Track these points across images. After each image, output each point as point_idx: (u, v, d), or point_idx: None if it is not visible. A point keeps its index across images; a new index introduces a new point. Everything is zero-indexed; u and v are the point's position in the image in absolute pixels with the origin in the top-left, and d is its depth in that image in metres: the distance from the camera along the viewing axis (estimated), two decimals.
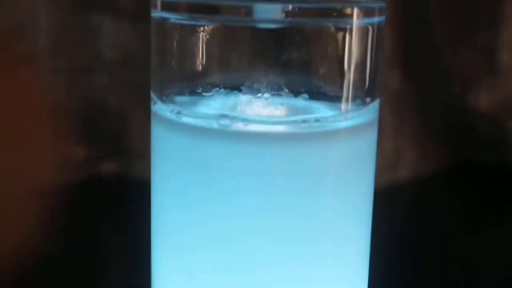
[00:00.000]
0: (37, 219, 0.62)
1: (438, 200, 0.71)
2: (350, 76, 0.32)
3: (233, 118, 0.31)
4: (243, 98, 0.33)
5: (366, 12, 0.31)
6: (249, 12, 0.30)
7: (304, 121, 0.31)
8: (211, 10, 0.30)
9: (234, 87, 0.33)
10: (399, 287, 0.51)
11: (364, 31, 0.32)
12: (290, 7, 0.30)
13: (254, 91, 0.33)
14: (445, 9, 0.72)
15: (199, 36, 0.32)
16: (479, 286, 0.53)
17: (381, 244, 0.37)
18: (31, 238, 0.59)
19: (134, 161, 0.70)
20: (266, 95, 0.32)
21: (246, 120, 0.31)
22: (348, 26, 0.31)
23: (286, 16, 0.30)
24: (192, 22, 0.31)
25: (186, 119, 0.32)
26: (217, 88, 0.33)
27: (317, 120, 0.31)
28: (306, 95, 0.33)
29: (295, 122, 0.31)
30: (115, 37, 0.69)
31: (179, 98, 0.33)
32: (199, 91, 0.33)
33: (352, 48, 0.31)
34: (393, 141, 0.72)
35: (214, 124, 0.31)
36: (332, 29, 0.31)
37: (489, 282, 0.54)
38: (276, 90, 0.33)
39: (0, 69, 0.67)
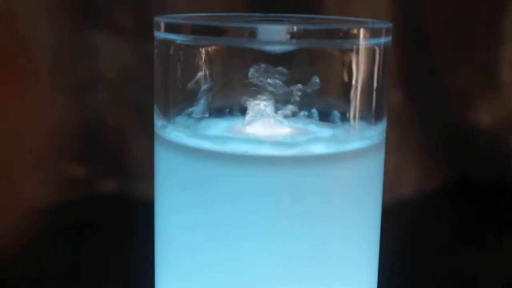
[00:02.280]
0: (34, 236, 0.62)
1: (440, 217, 0.71)
2: (357, 97, 0.32)
3: (238, 141, 0.31)
4: (248, 119, 0.32)
5: (373, 33, 0.31)
6: (253, 33, 0.29)
7: (311, 143, 0.31)
8: (215, 32, 0.30)
9: (239, 108, 0.32)
10: None
11: (370, 52, 0.31)
12: (295, 28, 0.29)
13: (259, 112, 0.32)
14: (444, 28, 0.72)
15: (203, 57, 0.32)
16: None
17: (384, 261, 0.37)
18: (27, 255, 0.59)
19: (134, 179, 0.70)
20: (272, 116, 0.32)
21: (251, 143, 0.31)
22: (354, 47, 0.31)
23: (291, 38, 0.30)
24: (195, 44, 0.31)
25: (187, 141, 0.31)
26: (222, 109, 0.33)
27: (323, 142, 0.31)
28: (312, 117, 0.33)
29: (301, 144, 0.31)
30: (115, 55, 0.68)
31: (183, 119, 0.33)
32: (203, 112, 0.33)
33: (359, 69, 0.31)
34: (394, 159, 0.72)
35: (216, 146, 0.31)
36: (338, 50, 0.31)
37: None
38: (282, 111, 0.32)
39: (0, 87, 0.67)
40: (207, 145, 0.31)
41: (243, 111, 0.33)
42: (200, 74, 0.32)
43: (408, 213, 0.71)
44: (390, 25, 0.32)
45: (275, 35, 0.30)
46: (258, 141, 0.31)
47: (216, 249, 0.31)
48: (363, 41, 0.31)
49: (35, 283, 0.54)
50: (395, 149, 0.71)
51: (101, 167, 0.70)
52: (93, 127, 0.70)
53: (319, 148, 0.31)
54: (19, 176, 0.68)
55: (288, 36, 0.30)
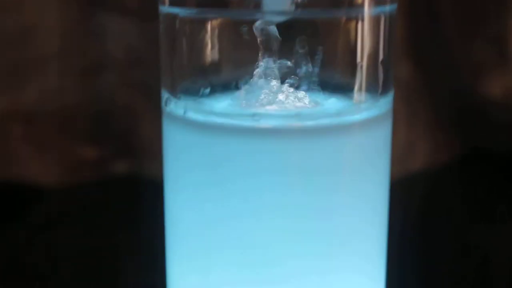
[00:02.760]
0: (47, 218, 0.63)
1: (452, 189, 0.71)
2: (363, 67, 0.32)
3: (244, 114, 0.31)
4: (255, 92, 0.32)
5: (378, 1, 0.31)
6: (258, 4, 0.29)
7: (318, 114, 0.31)
8: (219, 4, 0.30)
9: (246, 81, 0.32)
10: (414, 277, 0.51)
11: (376, 20, 0.31)
12: None
13: (265, 84, 0.32)
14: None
15: (209, 30, 0.32)
16: (493, 275, 0.53)
17: (395, 235, 0.37)
18: (41, 236, 0.59)
19: (146, 160, 0.71)
20: (277, 88, 0.32)
21: (258, 116, 0.31)
22: (359, 16, 0.31)
23: (296, 8, 0.29)
24: (200, 17, 0.31)
25: (197, 117, 0.31)
26: (228, 83, 0.33)
27: (330, 114, 0.31)
28: (319, 88, 0.33)
29: (308, 116, 0.31)
30: (124, 36, 0.69)
31: (190, 95, 0.33)
32: (210, 87, 0.33)
33: (364, 38, 0.31)
34: (405, 132, 0.72)
35: (225, 121, 0.31)
36: (343, 19, 0.31)
37: (503, 271, 0.54)
38: (288, 83, 0.32)
39: (11, 71, 0.67)
40: (212, 119, 0.31)
41: (249, 83, 0.33)
42: (206, 47, 0.32)
43: (419, 186, 0.71)
44: None
45: (280, 5, 0.29)
46: (264, 114, 0.31)
47: (223, 224, 0.31)
48: (368, 10, 0.31)
49: (49, 264, 0.55)
50: (405, 123, 0.71)
51: (112, 148, 0.71)
52: (104, 108, 0.70)
53: (326, 120, 0.31)
54: (30, 157, 0.69)
55: (293, 6, 0.29)
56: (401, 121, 0.71)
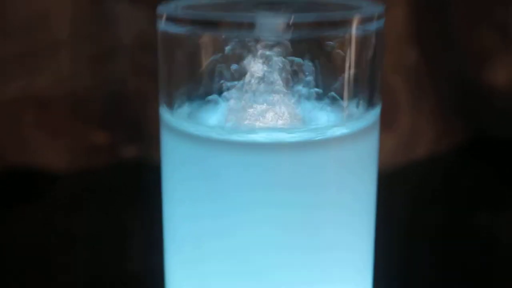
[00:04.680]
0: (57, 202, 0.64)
1: (456, 175, 0.71)
2: (351, 81, 0.33)
3: (235, 128, 0.32)
4: (247, 106, 0.33)
5: (365, 20, 0.32)
6: (252, 25, 0.31)
7: (306, 129, 0.32)
8: (214, 24, 0.31)
9: (239, 96, 0.34)
10: (419, 263, 0.52)
11: (363, 38, 0.32)
12: (291, 20, 0.30)
13: (256, 98, 0.33)
14: None
15: (203, 47, 0.33)
16: (498, 262, 0.54)
17: (400, 221, 0.37)
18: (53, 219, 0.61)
19: (156, 145, 0.71)
20: (268, 102, 0.33)
21: (248, 130, 0.32)
22: (347, 35, 0.32)
23: (287, 29, 0.31)
24: (196, 35, 0.32)
25: (191, 129, 0.33)
26: (223, 97, 0.34)
27: (318, 128, 0.32)
28: (307, 102, 0.34)
29: (297, 130, 0.32)
30: (136, 22, 0.69)
31: (187, 108, 0.34)
32: (206, 100, 0.34)
33: (351, 55, 0.32)
34: (409, 118, 0.72)
35: (216, 134, 0.32)
36: (332, 38, 0.32)
37: (508, 256, 0.55)
38: (278, 97, 0.33)
39: (24, 57, 0.68)
40: (205, 132, 0.32)
41: (243, 97, 0.34)
42: (201, 62, 0.33)
43: (423, 172, 0.72)
44: (382, 9, 0.33)
45: (272, 26, 0.31)
46: (254, 128, 0.32)
47: (217, 235, 0.33)
48: (355, 29, 0.32)
49: (61, 246, 0.56)
50: (410, 109, 0.72)
51: (123, 133, 0.72)
52: (115, 94, 0.71)
53: (314, 134, 0.32)
54: (42, 143, 0.70)
55: (285, 27, 0.31)
56: (406, 107, 0.72)
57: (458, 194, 0.67)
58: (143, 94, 0.71)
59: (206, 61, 0.33)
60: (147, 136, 0.72)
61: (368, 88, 0.33)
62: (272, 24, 0.31)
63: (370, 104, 0.34)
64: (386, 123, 0.46)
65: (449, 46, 0.74)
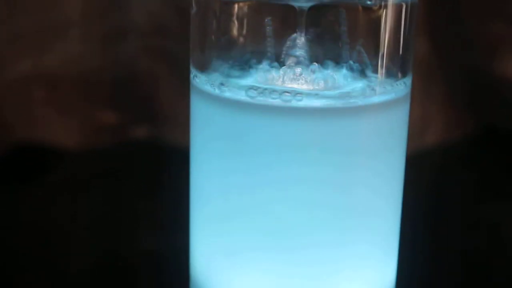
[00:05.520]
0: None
1: (465, 166, 0.71)
2: (383, 51, 0.33)
3: (268, 92, 0.32)
4: (280, 71, 0.33)
5: None
6: None
7: (339, 95, 0.32)
8: None
9: (272, 61, 0.34)
10: (425, 252, 0.52)
11: (398, 8, 0.32)
12: None
13: (291, 64, 0.33)
14: None
15: (237, 11, 0.33)
16: (504, 253, 0.54)
17: (407, 210, 0.38)
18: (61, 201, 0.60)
19: (166, 126, 0.71)
20: (302, 68, 0.33)
21: (281, 94, 0.32)
22: (382, 3, 0.32)
23: None
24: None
25: (223, 92, 0.33)
26: (255, 62, 0.34)
27: (351, 95, 0.32)
28: (341, 69, 0.34)
29: (330, 96, 0.32)
30: (146, 2, 0.69)
31: (219, 72, 0.34)
32: (237, 65, 0.34)
33: (386, 25, 0.32)
34: (420, 108, 0.72)
35: (249, 98, 0.32)
36: (367, 5, 0.32)
37: None
38: (312, 64, 0.33)
39: (35, 35, 0.68)
40: (238, 96, 0.32)
41: (276, 62, 0.34)
42: (235, 26, 0.33)
43: (432, 162, 0.72)
44: None
45: None
46: (287, 92, 0.32)
47: (247, 195, 0.33)
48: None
49: (69, 226, 0.56)
50: (420, 99, 0.72)
51: (133, 114, 0.72)
52: (126, 74, 0.71)
53: (346, 101, 0.32)
54: (52, 123, 0.70)
55: None
56: (416, 98, 0.72)
57: (466, 184, 0.67)
58: (154, 74, 0.71)
59: (240, 26, 0.33)
60: (157, 117, 0.72)
61: (402, 58, 0.33)
62: None
63: (403, 74, 0.34)
64: None
65: (460, 38, 0.74)
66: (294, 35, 0.33)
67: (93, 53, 0.70)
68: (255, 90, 0.32)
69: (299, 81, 0.33)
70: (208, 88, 0.33)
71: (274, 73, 0.33)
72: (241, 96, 0.32)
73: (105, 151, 0.70)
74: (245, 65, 0.34)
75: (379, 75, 0.33)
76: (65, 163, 0.68)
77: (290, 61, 0.33)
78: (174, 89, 0.70)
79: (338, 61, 0.34)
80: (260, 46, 0.34)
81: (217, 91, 0.33)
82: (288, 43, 0.33)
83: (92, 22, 0.69)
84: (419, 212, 0.56)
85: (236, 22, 0.33)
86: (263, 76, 0.33)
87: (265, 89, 0.32)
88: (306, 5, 0.31)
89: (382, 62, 0.33)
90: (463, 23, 0.73)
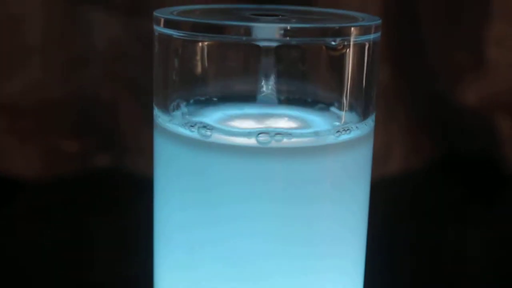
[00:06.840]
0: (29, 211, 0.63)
1: (427, 193, 0.72)
2: (347, 91, 0.33)
3: (228, 131, 0.32)
4: (241, 110, 0.33)
5: (363, 31, 0.32)
6: (248, 32, 0.31)
7: (302, 135, 0.32)
8: (212, 29, 0.31)
9: (234, 100, 0.34)
10: (392, 276, 0.52)
11: (360, 48, 0.33)
12: (289, 27, 0.31)
13: (252, 103, 0.33)
14: (433, 5, 0.73)
15: (200, 50, 0.33)
16: (469, 275, 0.55)
17: (372, 237, 0.38)
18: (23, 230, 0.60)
19: (128, 154, 0.71)
20: (263, 108, 0.33)
21: (241, 134, 0.32)
22: (345, 44, 0.32)
23: (284, 36, 0.31)
24: (193, 39, 0.32)
25: (185, 131, 0.32)
26: (218, 101, 0.34)
27: (315, 134, 0.32)
28: (304, 109, 0.34)
29: (292, 135, 0.32)
30: (108, 30, 0.69)
31: (182, 111, 0.34)
32: (200, 103, 0.34)
33: (349, 64, 0.32)
34: (382, 135, 0.73)
35: (211, 137, 0.32)
36: (330, 46, 0.32)
37: (479, 271, 0.56)
38: (273, 103, 0.34)
39: None
40: (199, 135, 0.32)
41: (237, 101, 0.34)
42: (197, 66, 0.33)
43: (395, 188, 0.72)
44: (379, 21, 0.33)
45: (269, 33, 0.31)
46: (248, 132, 0.32)
47: (211, 228, 0.33)
48: (353, 38, 0.32)
49: (29, 256, 0.56)
50: (382, 125, 0.73)
51: (94, 142, 0.71)
52: (87, 102, 0.70)
53: (308, 140, 0.32)
54: (11, 150, 0.69)
55: (282, 33, 0.31)
56: (378, 124, 0.72)
57: (427, 211, 0.67)
58: (115, 102, 0.70)
59: (202, 64, 0.33)
60: (119, 145, 0.71)
61: (365, 97, 0.34)
62: (270, 29, 0.31)
63: (367, 113, 0.34)
64: None
65: (422, 64, 0.75)
66: (259, 74, 0.33)
67: (55, 81, 0.69)
68: (217, 129, 0.32)
69: (263, 120, 0.33)
70: (170, 126, 0.33)
71: (237, 112, 0.33)
72: (204, 135, 0.32)
73: (66, 180, 0.70)
74: (207, 104, 0.34)
75: (343, 114, 0.33)
76: (25, 193, 0.67)
77: (254, 99, 0.33)
78: (137, 117, 0.70)
79: (303, 100, 0.34)
80: (224, 85, 0.34)
81: (180, 130, 0.33)
82: (252, 82, 0.33)
83: (54, 50, 0.69)
84: (384, 238, 0.56)
85: (199, 61, 0.33)
86: (227, 114, 0.33)
87: (228, 128, 0.32)
88: (271, 44, 0.31)
89: (346, 101, 0.33)
90: (425, 49, 0.74)
